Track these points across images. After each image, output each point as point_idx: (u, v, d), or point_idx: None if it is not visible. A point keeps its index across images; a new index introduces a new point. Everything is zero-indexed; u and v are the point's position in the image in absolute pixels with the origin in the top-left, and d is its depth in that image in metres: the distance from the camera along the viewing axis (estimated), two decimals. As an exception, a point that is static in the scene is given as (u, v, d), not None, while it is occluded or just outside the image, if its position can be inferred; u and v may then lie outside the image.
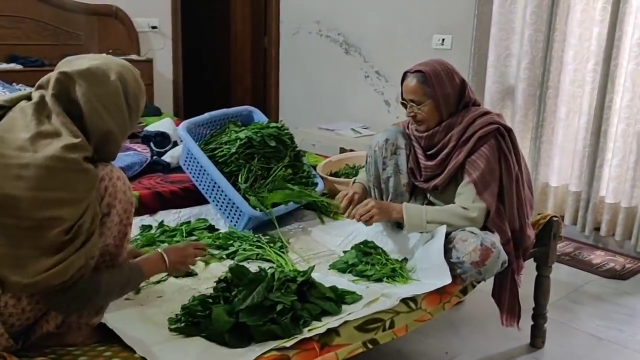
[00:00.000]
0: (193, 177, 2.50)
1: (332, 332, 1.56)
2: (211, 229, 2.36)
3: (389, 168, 2.11)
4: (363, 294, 1.78)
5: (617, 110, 3.24)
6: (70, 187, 1.29)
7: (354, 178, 2.37)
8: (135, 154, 2.81)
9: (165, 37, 5.03)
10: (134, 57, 4.67)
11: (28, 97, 1.40)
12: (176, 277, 1.85)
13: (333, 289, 1.75)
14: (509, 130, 2.00)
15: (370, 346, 1.63)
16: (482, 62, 3.74)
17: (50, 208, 1.26)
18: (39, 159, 1.26)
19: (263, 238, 2.21)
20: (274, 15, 5.29)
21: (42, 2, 4.37)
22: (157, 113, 4.31)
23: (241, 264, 1.98)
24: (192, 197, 2.53)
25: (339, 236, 2.32)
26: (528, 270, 2.16)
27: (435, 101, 1.98)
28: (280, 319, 1.55)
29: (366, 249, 2.06)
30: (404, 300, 1.75)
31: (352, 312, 1.66)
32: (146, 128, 3.24)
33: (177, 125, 2.98)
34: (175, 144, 3.07)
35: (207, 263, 2.05)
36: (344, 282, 1.89)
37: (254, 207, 2.30)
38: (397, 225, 2.19)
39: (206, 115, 2.60)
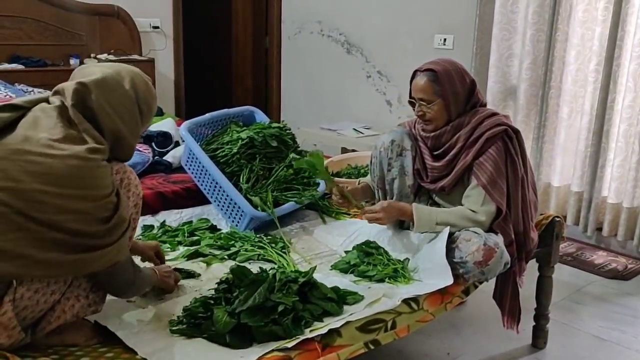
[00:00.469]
0: (195, 177, 2.49)
1: (334, 332, 1.56)
2: (213, 229, 2.35)
3: (394, 169, 2.10)
4: (365, 294, 1.78)
5: (619, 110, 3.23)
6: (95, 184, 1.36)
7: (360, 179, 2.36)
8: (137, 154, 2.80)
9: (166, 37, 5.03)
10: (135, 57, 4.67)
11: (46, 101, 1.46)
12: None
13: (335, 289, 1.75)
14: (517, 132, 1.99)
15: (372, 347, 1.63)
16: (484, 62, 3.74)
17: (78, 203, 1.32)
18: (65, 159, 1.32)
19: (265, 238, 2.21)
20: (275, 15, 5.29)
21: (43, 2, 4.38)
22: (158, 113, 4.31)
23: (242, 264, 1.98)
24: (193, 197, 2.52)
25: (340, 236, 2.31)
26: (530, 271, 2.16)
27: (445, 100, 1.97)
28: (281, 319, 1.54)
29: (368, 249, 2.05)
30: (406, 301, 1.75)
31: (354, 313, 1.66)
32: (148, 128, 3.23)
33: (179, 125, 2.98)
34: (177, 144, 3.07)
35: (208, 264, 2.05)
36: (346, 282, 1.89)
37: (256, 207, 2.30)
38: (400, 225, 2.18)
39: (207, 115, 2.60)
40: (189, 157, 2.50)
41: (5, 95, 3.42)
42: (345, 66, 4.74)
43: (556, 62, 3.44)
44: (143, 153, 2.86)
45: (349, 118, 4.63)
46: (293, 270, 1.94)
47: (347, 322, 1.59)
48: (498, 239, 1.91)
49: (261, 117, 2.76)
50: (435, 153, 2.06)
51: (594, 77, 3.32)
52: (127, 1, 4.70)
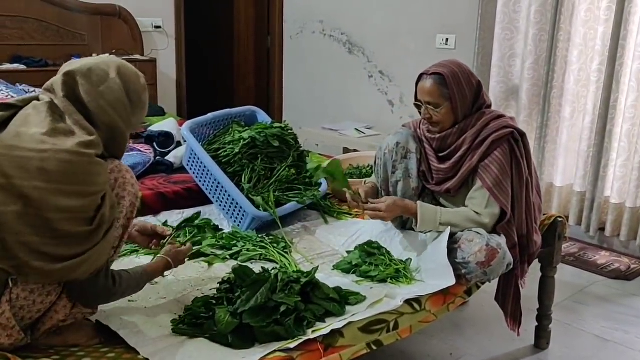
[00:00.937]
0: (196, 177, 2.49)
1: (336, 333, 1.55)
2: (215, 229, 2.35)
3: (398, 172, 2.09)
4: (367, 294, 1.77)
5: (622, 110, 3.22)
6: (88, 180, 1.35)
7: (365, 179, 2.35)
8: (138, 154, 2.80)
9: (168, 36, 5.03)
10: (137, 57, 4.67)
11: (37, 99, 1.45)
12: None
13: (337, 289, 1.74)
14: (523, 135, 1.99)
15: (374, 347, 1.63)
16: (486, 61, 3.73)
17: (69, 199, 1.32)
18: (58, 153, 1.32)
19: (267, 238, 2.21)
20: (277, 15, 5.29)
21: (45, 2, 4.38)
22: (160, 113, 4.31)
23: (244, 264, 1.98)
24: (195, 197, 2.52)
25: (342, 236, 2.31)
26: (532, 271, 2.15)
27: (453, 104, 1.96)
28: (284, 320, 1.54)
29: (370, 250, 2.05)
30: (408, 301, 1.74)
31: (356, 313, 1.65)
32: (149, 128, 3.23)
33: (181, 125, 2.98)
34: (179, 144, 3.06)
35: (210, 264, 2.04)
36: (348, 282, 1.89)
37: (258, 208, 2.30)
38: (402, 225, 2.18)
39: (209, 115, 2.59)
40: (190, 157, 2.50)
41: (7, 96, 3.42)
42: (347, 66, 4.74)
43: (559, 62, 3.43)
44: (144, 153, 2.86)
45: (351, 118, 4.63)
46: (295, 270, 1.94)
47: (350, 323, 1.59)
48: (501, 240, 1.90)
49: (263, 117, 2.76)
50: (441, 155, 2.05)
51: (597, 76, 3.31)
52: (129, 1, 4.70)
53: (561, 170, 3.57)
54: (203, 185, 2.46)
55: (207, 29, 6.11)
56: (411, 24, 4.25)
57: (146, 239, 1.83)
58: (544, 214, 2.29)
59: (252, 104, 3.35)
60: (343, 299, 1.72)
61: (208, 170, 2.39)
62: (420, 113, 2.04)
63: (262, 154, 2.46)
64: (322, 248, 2.23)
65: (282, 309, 1.56)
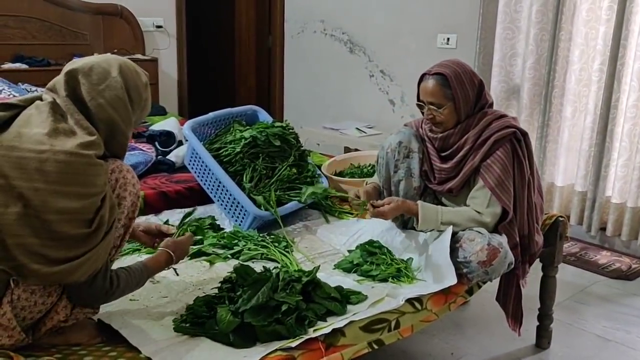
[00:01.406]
0: (198, 176, 2.49)
1: (338, 332, 1.56)
2: (216, 228, 2.35)
3: (400, 171, 2.09)
4: (368, 294, 1.77)
5: (623, 110, 3.22)
6: (87, 181, 1.34)
7: (367, 179, 2.35)
8: (140, 153, 2.80)
9: (170, 36, 5.03)
10: (139, 56, 4.67)
11: (40, 99, 1.46)
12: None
13: (338, 289, 1.74)
14: (525, 135, 1.99)
15: (375, 346, 1.63)
16: (487, 61, 3.73)
17: (68, 201, 1.31)
18: (57, 154, 1.32)
19: (268, 237, 2.21)
20: (278, 15, 5.29)
21: (47, 1, 4.39)
22: (161, 112, 4.31)
23: (246, 263, 1.98)
24: (197, 196, 2.53)
25: (343, 235, 2.31)
26: (533, 271, 2.15)
27: (456, 104, 1.95)
28: (285, 319, 1.54)
29: (371, 249, 2.05)
30: (410, 301, 1.74)
31: (358, 312, 1.66)
32: (151, 127, 3.24)
33: (182, 124, 2.98)
34: (180, 143, 3.06)
35: (212, 263, 2.05)
36: (349, 282, 1.89)
37: (259, 207, 2.30)
38: (403, 225, 2.18)
39: (211, 114, 2.60)
40: (192, 157, 2.50)
41: (9, 95, 3.42)
42: (348, 65, 4.74)
43: (560, 62, 3.43)
44: (146, 152, 2.86)
45: (352, 117, 4.63)
46: (296, 269, 1.94)
47: (351, 322, 1.59)
48: (502, 239, 1.90)
49: (264, 116, 2.76)
50: (443, 154, 2.05)
51: (598, 76, 3.31)
52: (130, 1, 4.71)
53: (562, 170, 3.57)
54: (204, 184, 2.46)
55: (209, 28, 6.12)
56: (412, 24, 4.25)
57: (150, 239, 1.82)
58: (546, 214, 2.29)
59: (253, 103, 3.35)
60: (344, 298, 1.72)
61: (209, 170, 2.39)
62: (422, 113, 2.04)
63: (264, 153, 2.47)
64: (323, 247, 2.24)
65: (284, 308, 1.56)
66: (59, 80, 1.45)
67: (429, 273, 1.92)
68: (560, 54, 3.41)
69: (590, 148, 3.38)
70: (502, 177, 1.91)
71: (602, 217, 3.38)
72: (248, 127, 2.59)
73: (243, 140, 2.46)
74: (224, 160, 2.43)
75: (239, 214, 2.33)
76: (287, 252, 2.12)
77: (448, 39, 4.05)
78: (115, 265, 1.52)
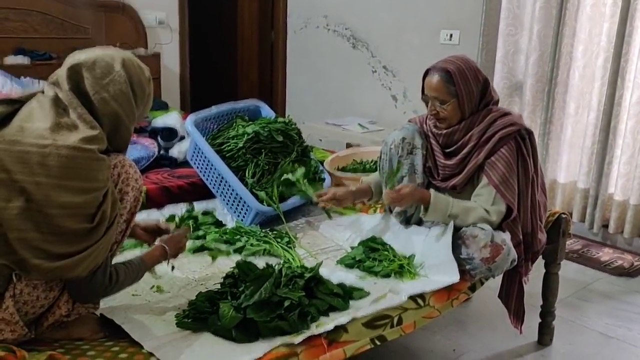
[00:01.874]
0: (200, 171, 2.49)
1: (340, 328, 1.56)
2: (218, 224, 2.35)
3: (403, 168, 2.08)
4: (370, 290, 1.78)
5: (626, 107, 3.21)
6: (90, 176, 1.34)
7: (362, 179, 2.34)
8: (142, 148, 2.80)
9: (172, 31, 5.02)
10: (141, 51, 4.66)
11: (42, 93, 1.45)
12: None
13: (340, 285, 1.74)
14: (530, 133, 1.98)
15: (378, 343, 1.63)
16: (490, 57, 3.72)
17: (70, 195, 1.31)
18: (60, 149, 1.31)
19: (270, 233, 2.21)
20: (281, 9, 5.27)
21: (48, -5, 4.37)
22: (163, 107, 4.31)
23: (248, 259, 1.98)
24: (199, 191, 2.52)
25: (346, 231, 2.30)
26: (536, 267, 2.14)
27: (459, 100, 1.95)
28: (287, 314, 1.54)
29: (374, 245, 2.05)
30: (412, 297, 1.74)
31: (360, 309, 1.65)
32: (153, 122, 3.23)
33: (184, 119, 2.97)
34: (183, 138, 3.06)
35: (214, 258, 2.04)
36: (352, 277, 1.89)
37: (262, 202, 2.30)
38: (406, 220, 2.17)
39: (213, 109, 2.59)
40: (194, 152, 2.50)
41: (11, 89, 3.42)
42: (351, 61, 4.73)
43: (563, 58, 3.42)
44: (148, 147, 2.86)
45: (354, 113, 4.62)
46: (299, 265, 1.94)
47: (354, 319, 1.59)
48: (505, 236, 1.90)
49: (267, 111, 2.76)
50: (447, 151, 2.04)
51: (602, 73, 3.29)
52: (132, -5, 4.70)
53: (565, 167, 3.56)
54: (207, 179, 2.46)
55: (211, 23, 6.10)
56: (415, 19, 4.24)
57: (150, 236, 1.81)
58: (548, 211, 2.29)
59: (255, 98, 3.34)
60: (347, 294, 1.72)
61: (212, 165, 2.39)
62: (427, 107, 2.03)
63: (266, 148, 2.46)
64: (326, 243, 2.24)
65: (286, 303, 1.56)
66: (61, 74, 1.44)
67: (432, 269, 1.92)
68: (563, 50, 3.40)
69: (593, 145, 3.37)
70: (506, 175, 1.91)
71: (604, 214, 3.37)
72: (251, 122, 2.59)
73: (246, 135, 2.46)
74: (227, 155, 2.42)
75: (242, 209, 2.33)
76: (290, 247, 2.12)
77: (451, 35, 4.04)
78: (115, 260, 1.52)
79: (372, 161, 2.94)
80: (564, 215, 2.24)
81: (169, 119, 3.20)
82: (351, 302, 1.70)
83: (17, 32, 4.28)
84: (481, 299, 2.58)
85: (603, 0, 3.27)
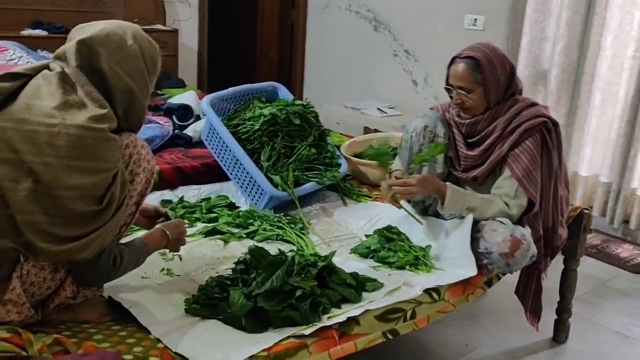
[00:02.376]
0: (215, 152, 2.45)
1: (352, 320, 1.52)
2: (232, 206, 2.32)
3: None
4: (384, 281, 1.73)
5: (655, 100, 3.11)
6: (99, 156, 1.30)
7: (390, 168, 2.28)
8: (157, 126, 2.76)
9: (191, 7, 4.96)
10: (159, 27, 4.62)
11: (48, 68, 1.40)
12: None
13: (354, 275, 1.70)
14: (556, 125, 1.91)
15: (390, 336, 1.59)
16: (515, 44, 3.62)
17: (80, 176, 1.27)
18: (69, 128, 1.27)
19: (284, 218, 2.17)
20: (302, -12, 5.18)
21: (68, -33, 4.33)
22: (180, 85, 4.26)
23: (260, 245, 1.94)
24: (213, 173, 2.48)
25: (361, 219, 2.26)
26: (553, 263, 2.08)
27: (486, 89, 1.88)
28: (299, 304, 1.51)
29: (389, 235, 2.00)
30: (427, 291, 1.70)
31: (373, 301, 1.61)
32: (169, 100, 3.19)
33: (201, 98, 2.93)
34: (198, 117, 3.01)
35: (226, 242, 2.01)
36: (365, 267, 1.85)
37: (276, 187, 2.26)
38: (424, 211, 2.12)
39: (230, 90, 2.54)
40: (209, 132, 2.46)
41: (27, 62, 3.39)
42: (372, 44, 4.64)
43: (591, 47, 3.31)
44: (163, 126, 2.82)
45: (374, 97, 4.55)
46: (312, 253, 1.90)
47: (366, 311, 1.55)
48: (525, 231, 1.84)
49: (284, 93, 2.70)
50: (470, 141, 1.97)
51: (631, 63, 3.19)
52: (152, -31, 4.64)
53: (587, 160, 3.47)
54: (221, 161, 2.42)
55: (231, 0, 6.02)
56: (440, 3, 4.13)
57: (147, 221, 1.76)
58: (570, 205, 2.22)
59: (273, 78, 3.30)
60: (360, 285, 1.68)
61: (227, 146, 2.35)
62: (450, 97, 1.97)
63: (283, 131, 2.41)
64: (340, 231, 2.19)
65: (298, 293, 1.52)
66: (69, 48, 1.37)
67: (448, 262, 1.87)
68: (592, 40, 3.29)
69: (618, 138, 3.28)
70: (529, 168, 1.84)
71: (626, 210, 3.29)
72: (268, 104, 2.54)
73: (262, 117, 2.41)
74: (242, 137, 2.38)
75: (256, 193, 2.29)
76: (303, 234, 2.08)
77: (475, 20, 3.93)
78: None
79: (389, 147, 2.87)
80: (586, 211, 2.18)
81: (185, 97, 3.16)
82: (364, 294, 1.66)
83: (34, 5, 4.25)
84: (496, 292, 2.52)
85: (636, -12, 3.16)
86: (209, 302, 1.54)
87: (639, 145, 3.19)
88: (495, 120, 1.91)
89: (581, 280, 2.34)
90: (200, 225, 2.11)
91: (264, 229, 2.08)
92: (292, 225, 2.12)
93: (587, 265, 2.89)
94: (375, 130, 3.89)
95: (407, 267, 1.86)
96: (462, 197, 1.89)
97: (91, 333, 1.42)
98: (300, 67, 5.35)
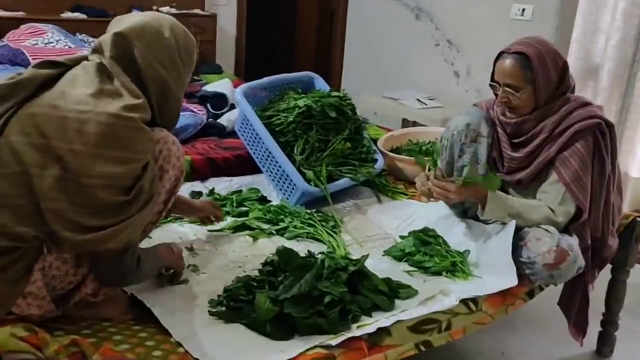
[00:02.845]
0: (247, 144, 2.38)
1: (383, 331, 1.44)
2: (263, 200, 2.25)
3: (465, 156, 1.90)
4: (419, 288, 1.64)
5: None
6: (129, 146, 1.28)
7: (429, 165, 2.17)
8: (190, 115, 2.71)
9: (230, -8, 4.89)
10: (197, 11, 4.57)
11: (86, 59, 1.40)
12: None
13: (387, 281, 1.61)
14: (611, 127, 1.77)
15: (423, 348, 1.50)
16: (565, 37, 3.44)
17: (108, 165, 1.25)
18: (99, 115, 1.26)
19: (315, 215, 2.09)
20: (344, -25, 5.06)
21: (108, -49, 4.29)
22: (217, 71, 4.22)
23: (290, 244, 1.89)
24: (245, 164, 2.42)
25: (396, 218, 2.17)
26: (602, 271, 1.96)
27: (536, 87, 1.75)
28: (327, 311, 1.43)
29: (425, 237, 1.90)
30: (464, 301, 1.60)
31: (406, 310, 1.53)
32: (204, 88, 3.13)
33: (236, 85, 2.86)
34: (233, 106, 2.95)
35: (255, 238, 1.95)
36: (399, 272, 1.77)
37: (309, 182, 2.18)
38: (463, 213, 2.01)
39: (265, 79, 2.47)
40: (242, 123, 2.39)
41: (65, 46, 3.37)
42: (413, 32, 4.50)
43: (649, 41, 3.12)
44: (197, 114, 2.76)
45: (413, 87, 4.41)
46: (343, 254, 1.83)
47: (398, 321, 1.46)
48: (573, 241, 1.72)
49: (321, 84, 2.61)
50: (515, 141, 1.85)
51: (691, 60, 3.00)
52: (192, -47, 4.58)
53: (639, 160, 3.29)
54: (254, 153, 2.35)
55: (271, -15, 5.94)
56: (486, -9, 3.97)
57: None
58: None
59: (311, 66, 3.21)
60: (393, 292, 1.59)
61: (259, 138, 2.27)
62: (495, 95, 1.85)
63: (318, 124, 2.33)
64: (374, 230, 2.10)
65: (327, 299, 1.45)
66: (105, 40, 1.38)
67: (487, 270, 1.77)
68: (649, 33, 3.11)
69: (674, 138, 3.09)
70: (579, 173, 1.71)
71: (679, 215, 3.10)
72: (303, 95, 2.45)
73: (297, 109, 2.32)
74: (276, 129, 2.30)
75: (287, 187, 2.22)
76: (335, 232, 2.00)
77: (523, 10, 3.75)
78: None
79: (428, 142, 2.76)
80: (639, 219, 2.03)
81: (220, 85, 3.10)
82: (397, 302, 1.57)
83: (75, -12, 4.24)
84: (536, 299, 2.39)
85: (700, -21, 2.95)
86: (233, 304, 1.48)
87: (695, 147, 3.01)
88: (544, 121, 1.78)
89: (628, 289, 2.20)
90: (229, 220, 2.05)
91: (295, 226, 2.00)
92: (324, 223, 2.04)
93: (635, 274, 2.71)
94: (414, 123, 3.77)
95: (444, 273, 1.77)
96: (503, 202, 1.77)
97: (111, 332, 1.38)
98: (339, 55, 5.23)
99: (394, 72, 4.69)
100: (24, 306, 1.29)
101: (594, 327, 2.14)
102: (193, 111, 2.78)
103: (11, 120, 1.26)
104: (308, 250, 1.67)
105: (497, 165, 1.90)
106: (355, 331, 1.41)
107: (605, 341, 2.15)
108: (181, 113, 2.61)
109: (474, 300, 1.62)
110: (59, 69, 1.36)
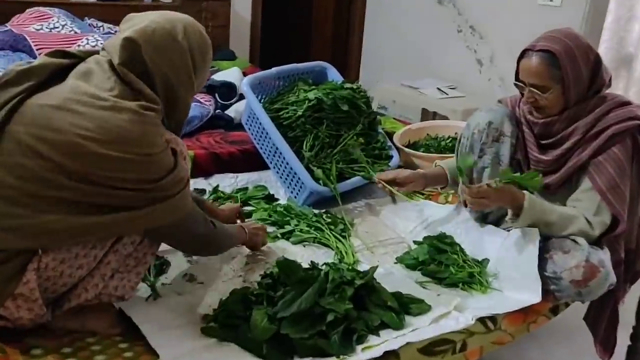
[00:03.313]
0: (254, 138, 2.26)
1: (390, 354, 1.31)
2: (270, 198, 2.13)
3: (486, 157, 1.75)
4: (432, 303, 1.51)
5: None
6: (149, 142, 1.25)
7: (436, 161, 2.03)
8: (196, 106, 2.58)
9: (245, -26, 4.73)
10: (212, -5, 4.42)
11: (98, 54, 1.38)
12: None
13: (397, 295, 1.49)
14: None
15: (434, 372, 1.37)
16: (596, 24, 3.24)
17: (125, 162, 1.21)
18: (115, 111, 1.23)
19: (324, 217, 1.96)
20: (363, -43, 4.87)
21: None
22: (231, 57, 4.07)
23: (296, 247, 1.79)
24: (252, 160, 2.30)
25: (411, 221, 2.03)
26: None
27: (564, 87, 1.59)
28: (330, 331, 1.31)
29: (441, 245, 1.77)
30: (482, 319, 1.46)
31: (417, 329, 1.40)
32: (212, 77, 3.00)
33: (251, 72, 2.72)
34: (242, 96, 2.81)
35: (259, 243, 1.83)
36: (411, 283, 1.64)
37: (318, 181, 2.04)
38: (483, 218, 1.86)
39: (273, 70, 2.33)
40: (249, 116, 2.26)
41: (70, 31, 3.25)
42: (435, 18, 4.31)
43: (687, 30, 2.92)
44: (203, 105, 2.64)
45: (433, 75, 4.23)
46: (352, 261, 1.70)
47: (408, 343, 1.33)
48: (604, 256, 1.56)
49: (334, 74, 2.46)
50: (543, 143, 1.69)
51: None
52: None
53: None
54: (261, 148, 2.23)
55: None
56: (512, -25, 3.76)
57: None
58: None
59: (328, 53, 3.05)
60: (403, 308, 1.46)
61: (266, 133, 2.14)
62: (522, 94, 1.68)
63: (329, 118, 2.19)
64: (386, 234, 1.97)
65: (329, 317, 1.33)
66: (114, 44, 1.32)
67: (508, 283, 1.63)
68: (688, 21, 2.90)
69: None
70: (616, 180, 1.55)
71: None
72: (314, 86, 2.31)
73: (307, 102, 2.19)
74: (284, 123, 2.17)
75: (295, 186, 2.09)
76: (344, 237, 1.87)
77: (552, -6, 3.55)
78: None
79: (448, 137, 2.61)
80: (676, 228, 1.86)
81: (229, 74, 2.97)
82: (407, 318, 1.44)
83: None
84: (560, 307, 2.26)
85: None
86: (228, 321, 1.36)
87: None
88: (576, 122, 1.62)
89: (660, 300, 2.04)
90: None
91: (301, 230, 1.88)
92: (333, 227, 1.91)
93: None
94: (434, 114, 3.61)
95: (460, 285, 1.63)
96: (541, 210, 1.61)
97: (94, 351, 1.28)
98: (358, 42, 5.05)
99: (414, 60, 4.52)
100: (13, 308, 1.23)
101: (622, 340, 1.99)
102: (200, 102, 2.65)
103: (20, 109, 1.23)
104: (311, 261, 1.55)
105: (522, 167, 1.74)
106: (360, 354, 1.30)
107: (635, 358, 2.00)
108: (187, 104, 2.53)
109: (492, 318, 1.49)
110: (72, 59, 1.34)
